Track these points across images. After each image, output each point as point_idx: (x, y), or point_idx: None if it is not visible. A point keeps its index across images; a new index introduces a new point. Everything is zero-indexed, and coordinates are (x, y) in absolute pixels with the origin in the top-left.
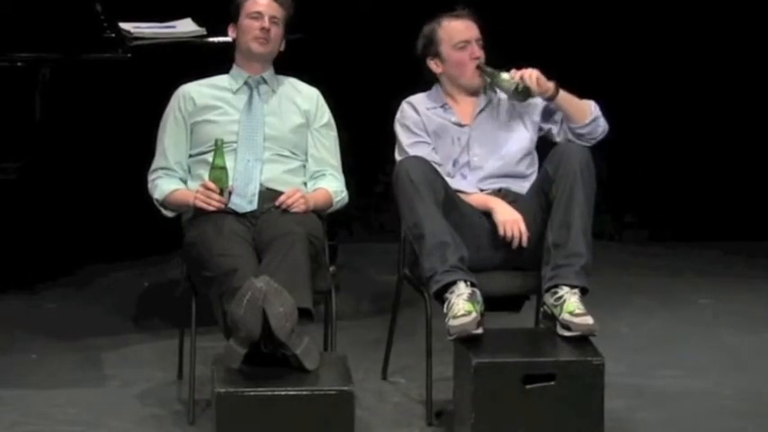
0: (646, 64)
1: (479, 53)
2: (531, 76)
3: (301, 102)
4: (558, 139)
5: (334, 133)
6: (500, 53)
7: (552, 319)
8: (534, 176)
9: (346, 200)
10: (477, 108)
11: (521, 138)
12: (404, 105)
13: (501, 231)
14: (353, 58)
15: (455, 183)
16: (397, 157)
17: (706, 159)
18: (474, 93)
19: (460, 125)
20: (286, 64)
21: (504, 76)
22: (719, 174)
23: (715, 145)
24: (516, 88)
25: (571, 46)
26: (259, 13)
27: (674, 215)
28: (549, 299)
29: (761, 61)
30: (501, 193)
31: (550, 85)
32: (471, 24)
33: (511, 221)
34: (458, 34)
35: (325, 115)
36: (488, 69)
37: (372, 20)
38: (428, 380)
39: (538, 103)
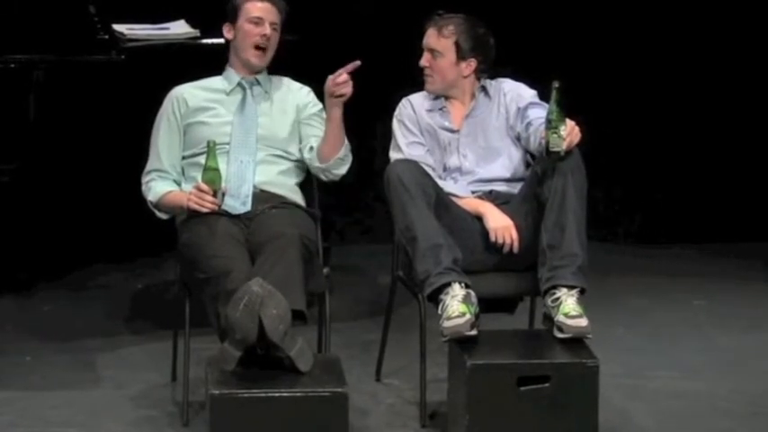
0: (644, 66)
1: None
2: (574, 141)
3: (293, 99)
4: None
5: None
6: (500, 53)
7: (551, 320)
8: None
9: (350, 161)
10: (465, 112)
11: (510, 141)
12: (403, 102)
13: (492, 238)
14: (350, 59)
15: (446, 186)
16: (392, 153)
17: (702, 161)
18: (468, 96)
19: (451, 130)
20: (283, 65)
21: (558, 134)
22: (715, 175)
23: (711, 147)
24: (556, 150)
25: (571, 47)
26: (260, 18)
27: (669, 216)
28: (547, 300)
29: (759, 63)
30: (492, 196)
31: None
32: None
33: (502, 228)
34: None
35: (318, 104)
36: (557, 111)
37: (370, 21)
38: (422, 381)
39: (520, 107)
